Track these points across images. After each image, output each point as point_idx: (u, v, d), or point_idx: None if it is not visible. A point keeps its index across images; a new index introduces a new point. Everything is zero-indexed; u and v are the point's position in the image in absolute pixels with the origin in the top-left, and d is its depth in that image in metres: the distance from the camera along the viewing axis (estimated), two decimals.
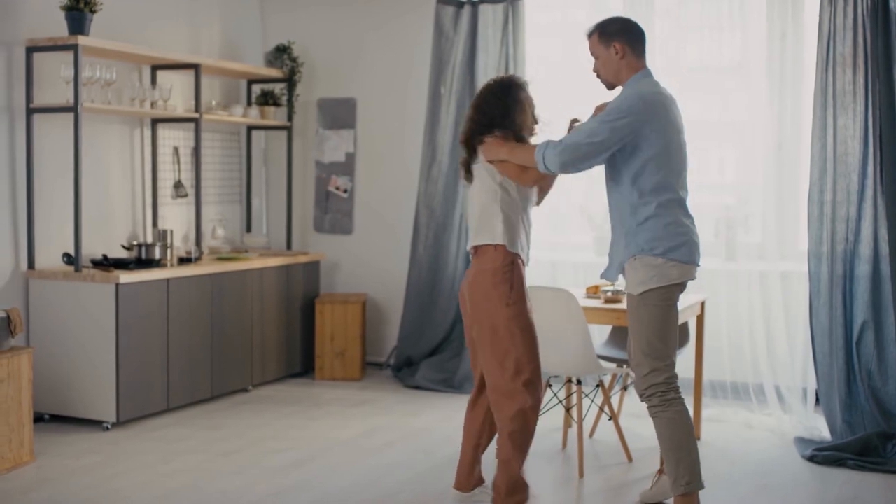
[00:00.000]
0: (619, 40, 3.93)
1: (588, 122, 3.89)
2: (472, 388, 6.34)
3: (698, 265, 3.95)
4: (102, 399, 5.36)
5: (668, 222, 3.86)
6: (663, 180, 3.86)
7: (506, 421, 3.97)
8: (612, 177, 3.96)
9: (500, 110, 4.03)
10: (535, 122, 4.13)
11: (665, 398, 3.86)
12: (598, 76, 4.04)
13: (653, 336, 3.86)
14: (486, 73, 6.50)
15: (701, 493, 4.22)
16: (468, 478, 4.23)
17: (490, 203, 4.00)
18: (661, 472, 4.27)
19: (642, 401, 3.95)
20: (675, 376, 3.90)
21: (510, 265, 3.96)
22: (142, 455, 4.95)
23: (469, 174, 4.11)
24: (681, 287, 3.93)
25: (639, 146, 3.83)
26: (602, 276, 4.07)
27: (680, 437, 3.85)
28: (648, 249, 3.84)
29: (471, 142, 4.08)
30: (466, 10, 6.56)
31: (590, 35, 4.01)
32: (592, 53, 4.01)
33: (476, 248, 4.04)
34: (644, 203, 3.86)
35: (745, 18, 5.98)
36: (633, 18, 6.02)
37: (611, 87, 4.03)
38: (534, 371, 3.97)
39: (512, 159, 3.95)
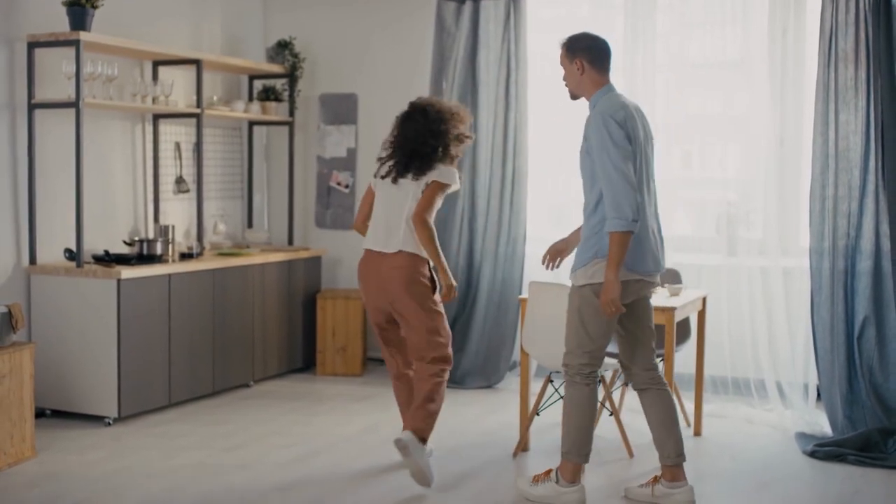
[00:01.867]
0: (582, 57, 4.12)
1: (602, 169, 3.97)
2: (473, 382, 6.42)
3: (651, 271, 4.14)
4: (104, 394, 5.37)
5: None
6: None
7: (426, 381, 4.51)
8: (586, 181, 4.12)
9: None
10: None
11: (573, 380, 4.18)
12: (566, 85, 4.24)
13: (581, 326, 4.13)
14: (488, 68, 6.50)
15: (702, 488, 4.27)
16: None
17: (400, 216, 4.45)
18: (656, 479, 4.27)
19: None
20: (591, 365, 4.14)
21: (428, 267, 4.52)
22: (144, 450, 4.95)
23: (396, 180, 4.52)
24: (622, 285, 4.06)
25: None
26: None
27: (574, 413, 4.17)
28: (603, 255, 4.01)
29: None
30: (468, 6, 6.55)
31: (560, 47, 4.21)
32: (561, 65, 4.22)
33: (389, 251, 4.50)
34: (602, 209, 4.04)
35: (747, 14, 5.97)
36: (634, 16, 6.15)
37: (574, 97, 4.25)
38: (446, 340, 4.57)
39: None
